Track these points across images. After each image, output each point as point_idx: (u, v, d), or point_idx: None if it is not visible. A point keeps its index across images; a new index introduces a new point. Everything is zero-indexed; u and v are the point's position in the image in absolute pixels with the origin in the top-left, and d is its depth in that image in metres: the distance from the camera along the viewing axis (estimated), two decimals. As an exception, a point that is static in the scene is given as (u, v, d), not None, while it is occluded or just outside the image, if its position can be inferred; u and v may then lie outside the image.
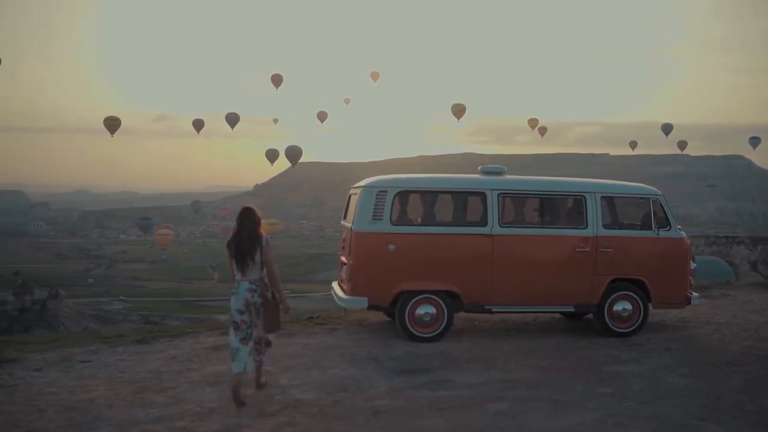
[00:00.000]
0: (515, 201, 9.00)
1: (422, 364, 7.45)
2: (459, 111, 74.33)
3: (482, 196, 8.67)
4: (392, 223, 8.48)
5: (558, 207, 9.18)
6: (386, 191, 8.55)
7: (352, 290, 8.52)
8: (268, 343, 6.52)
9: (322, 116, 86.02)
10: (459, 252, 8.59)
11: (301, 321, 9.85)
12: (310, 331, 9.08)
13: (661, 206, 9.04)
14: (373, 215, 8.47)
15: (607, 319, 8.87)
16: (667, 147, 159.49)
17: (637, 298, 8.90)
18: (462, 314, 9.17)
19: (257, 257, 6.19)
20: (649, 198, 9.08)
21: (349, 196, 9.30)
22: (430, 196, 8.87)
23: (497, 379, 6.96)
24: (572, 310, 8.96)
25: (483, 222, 8.63)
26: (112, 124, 69.52)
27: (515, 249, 8.69)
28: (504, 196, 8.76)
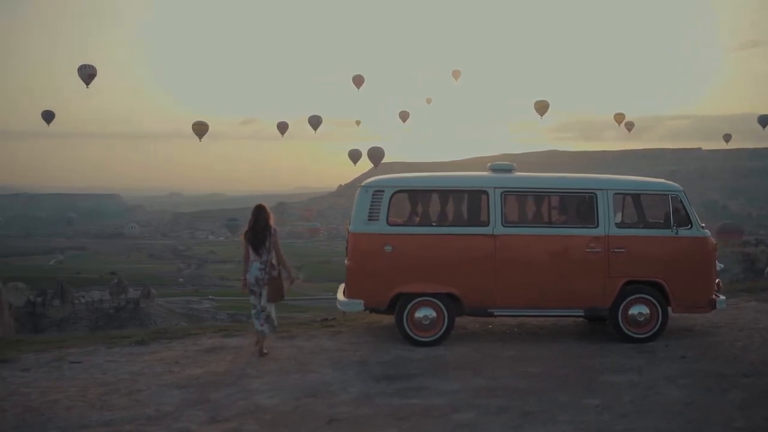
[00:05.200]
0: (520, 199, 8.60)
1: (407, 370, 7.19)
2: (542, 107, 72.97)
3: (484, 194, 8.31)
4: (389, 224, 8.24)
5: (566, 205, 8.71)
6: (383, 191, 8.32)
7: (348, 292, 8.35)
8: (268, 319, 7.83)
9: (404, 116, 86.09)
10: (459, 253, 8.25)
11: (314, 323, 9.74)
12: (312, 334, 8.95)
13: (681, 203, 8.41)
14: (369, 216, 8.26)
15: (621, 324, 8.34)
16: (764, 140, 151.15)
17: (655, 302, 8.33)
18: (477, 317, 8.84)
19: (268, 243, 7.76)
20: (667, 194, 8.46)
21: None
22: (429, 195, 8.59)
23: (479, 386, 6.61)
24: (582, 314, 8.48)
25: (485, 222, 8.27)
26: (201, 129, 71.74)
27: (519, 249, 8.28)
28: (508, 194, 8.37)
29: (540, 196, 8.65)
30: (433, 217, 8.60)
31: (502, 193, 8.28)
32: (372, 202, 8.27)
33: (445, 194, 8.59)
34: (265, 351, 7.81)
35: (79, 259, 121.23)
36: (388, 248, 8.18)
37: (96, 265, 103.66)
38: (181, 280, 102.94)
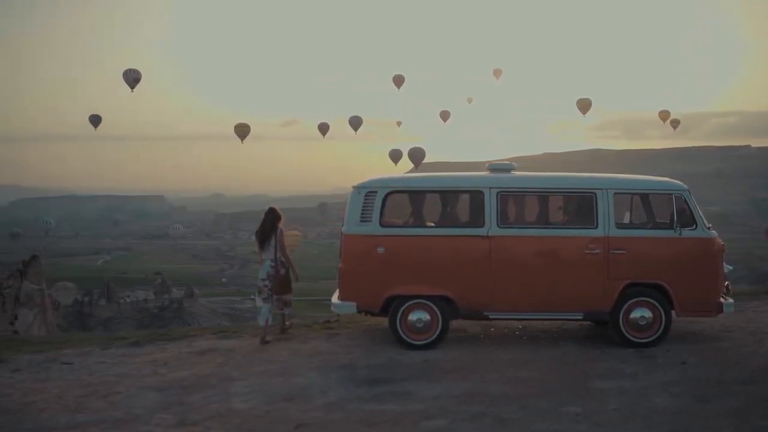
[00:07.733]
0: (517, 200, 8.38)
1: (394, 374, 7.05)
2: (584, 106, 71.79)
3: (479, 194, 8.12)
4: (382, 225, 8.12)
5: (564, 205, 8.46)
6: (375, 192, 8.20)
7: (341, 294, 8.26)
8: (288, 304, 9.00)
9: (445, 116, 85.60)
10: (454, 255, 8.08)
11: (314, 325, 9.66)
12: (309, 336, 8.87)
13: (686, 203, 8.09)
14: (362, 217, 8.16)
15: (623, 328, 8.05)
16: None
17: (658, 305, 8.03)
18: (477, 320, 8.66)
19: (273, 241, 8.71)
20: (671, 194, 8.14)
21: None
22: (422, 196, 8.44)
23: (462, 392, 6.44)
24: (581, 317, 8.22)
25: (480, 222, 8.08)
26: (242, 131, 72.40)
27: (516, 251, 8.07)
28: (504, 194, 8.16)
29: (537, 196, 8.42)
30: (427, 218, 8.45)
31: (497, 193, 8.08)
32: (364, 203, 8.16)
33: (440, 195, 8.44)
34: (268, 339, 8.49)
35: (124, 259, 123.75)
36: (380, 250, 8.06)
37: (141, 265, 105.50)
38: (223, 280, 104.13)
